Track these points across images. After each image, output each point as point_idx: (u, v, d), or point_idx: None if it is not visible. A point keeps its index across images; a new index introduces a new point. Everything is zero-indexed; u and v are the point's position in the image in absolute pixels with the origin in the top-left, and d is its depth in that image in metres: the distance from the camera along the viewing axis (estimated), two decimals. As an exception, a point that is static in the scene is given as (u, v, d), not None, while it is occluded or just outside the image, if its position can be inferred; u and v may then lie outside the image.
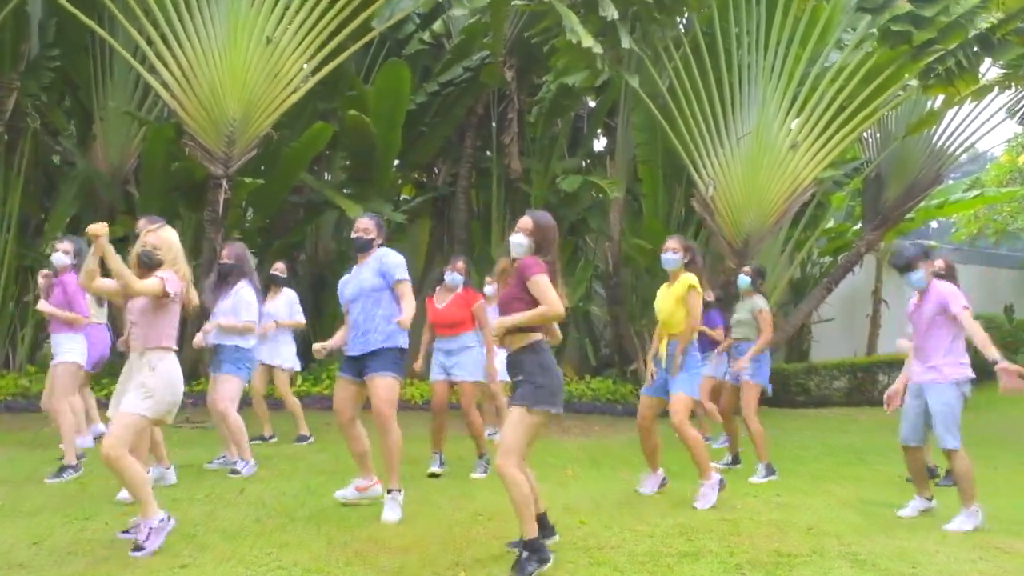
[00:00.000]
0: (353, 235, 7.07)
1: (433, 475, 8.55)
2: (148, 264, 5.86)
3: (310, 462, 9.18)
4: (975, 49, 13.47)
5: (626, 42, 12.36)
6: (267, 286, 10.44)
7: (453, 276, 8.77)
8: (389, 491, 6.75)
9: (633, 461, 9.99)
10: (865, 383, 18.39)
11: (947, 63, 13.47)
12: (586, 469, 9.38)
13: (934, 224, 23.03)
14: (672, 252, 7.73)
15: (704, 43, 13.58)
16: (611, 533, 6.46)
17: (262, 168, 14.44)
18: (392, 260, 6.91)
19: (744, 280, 9.36)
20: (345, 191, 15.54)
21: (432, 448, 8.74)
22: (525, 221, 5.63)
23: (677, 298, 7.62)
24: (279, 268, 10.80)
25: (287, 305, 10.56)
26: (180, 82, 12.46)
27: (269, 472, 8.44)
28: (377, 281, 6.85)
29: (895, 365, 19.16)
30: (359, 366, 6.84)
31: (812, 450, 10.62)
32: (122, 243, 14.53)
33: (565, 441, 11.69)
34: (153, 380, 5.72)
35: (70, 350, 8.24)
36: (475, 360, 8.66)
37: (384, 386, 6.73)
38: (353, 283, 6.95)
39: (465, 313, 8.67)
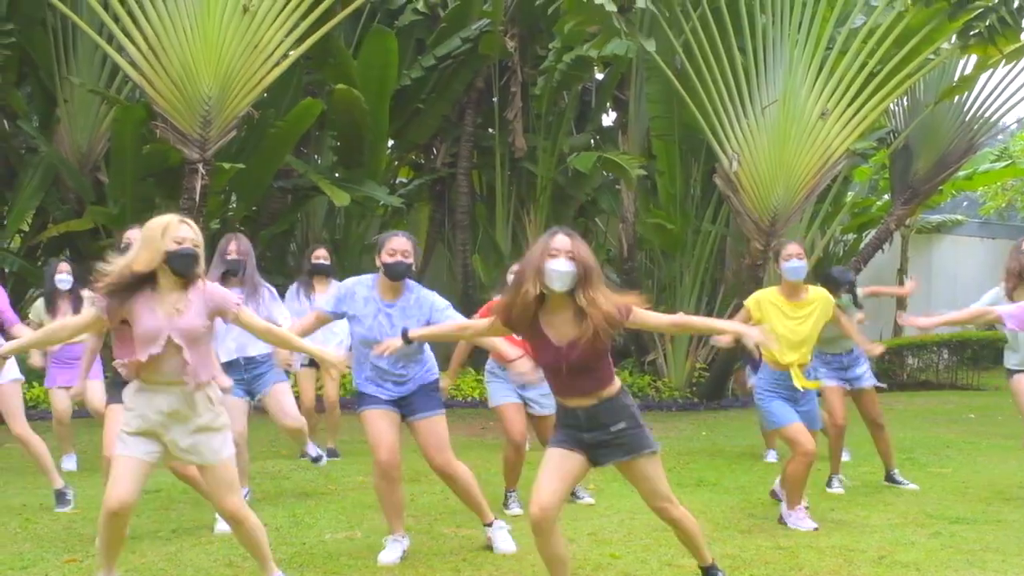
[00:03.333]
0: (388, 259, 5.65)
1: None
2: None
3: (296, 482, 8.13)
4: (1016, 4, 12.52)
5: (643, 1, 11.33)
6: (310, 277, 9.44)
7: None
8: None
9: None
10: (893, 366, 17.69)
11: (987, 20, 12.52)
12: (609, 481, 8.37)
13: (950, 199, 22.25)
14: (798, 259, 6.52)
15: (724, 4, 12.53)
16: (649, 570, 5.55)
17: (244, 151, 13.43)
18: (440, 304, 5.77)
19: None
20: (336, 175, 14.60)
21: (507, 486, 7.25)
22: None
23: (819, 320, 6.54)
24: (322, 255, 9.55)
25: None
26: (148, 58, 11.39)
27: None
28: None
29: (924, 347, 18.42)
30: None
31: (858, 456, 9.57)
32: (93, 236, 13.70)
33: (583, 445, 10.70)
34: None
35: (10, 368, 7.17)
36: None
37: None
38: (377, 329, 5.63)
39: None
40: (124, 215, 12.83)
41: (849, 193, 18.09)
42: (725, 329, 4.97)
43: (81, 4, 12.44)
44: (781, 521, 6.61)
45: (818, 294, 6.62)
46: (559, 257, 4.33)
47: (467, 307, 10.94)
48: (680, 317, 5.08)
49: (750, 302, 6.60)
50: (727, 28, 12.52)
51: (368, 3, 13.86)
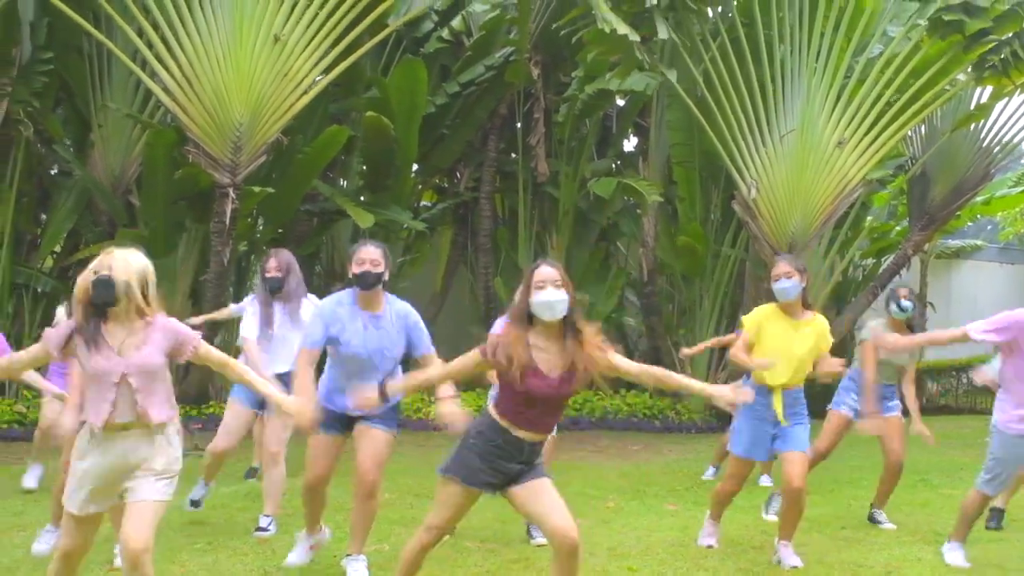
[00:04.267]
0: (358, 269, 5.57)
1: None
2: None
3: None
4: (1031, 38, 12.64)
5: (663, 31, 11.54)
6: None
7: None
8: None
9: (678, 489, 9.29)
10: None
11: (1001, 53, 12.65)
12: (628, 500, 8.59)
13: (971, 223, 22.23)
14: (786, 278, 6.07)
15: (743, 34, 12.74)
16: (664, 582, 5.71)
17: (272, 175, 13.70)
18: (418, 322, 5.75)
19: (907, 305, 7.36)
20: (361, 198, 14.83)
21: None
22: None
23: (816, 345, 6.14)
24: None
25: None
26: (182, 85, 11.71)
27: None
28: (401, 348, 5.71)
29: (944, 371, 18.52)
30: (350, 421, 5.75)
31: (868, 471, 9.67)
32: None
33: (603, 465, 10.90)
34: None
35: None
36: None
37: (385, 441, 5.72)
38: (370, 342, 5.62)
39: None
40: (155, 237, 13.00)
41: (868, 218, 18.18)
42: (698, 391, 4.83)
43: (116, 32, 12.69)
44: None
45: (819, 320, 6.23)
46: (546, 288, 4.38)
47: (489, 330, 11.09)
48: (654, 369, 4.89)
49: (748, 321, 6.31)
50: (746, 58, 12.70)
51: (395, 31, 14.06)
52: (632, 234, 16.03)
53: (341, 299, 5.69)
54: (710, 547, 6.52)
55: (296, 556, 6.03)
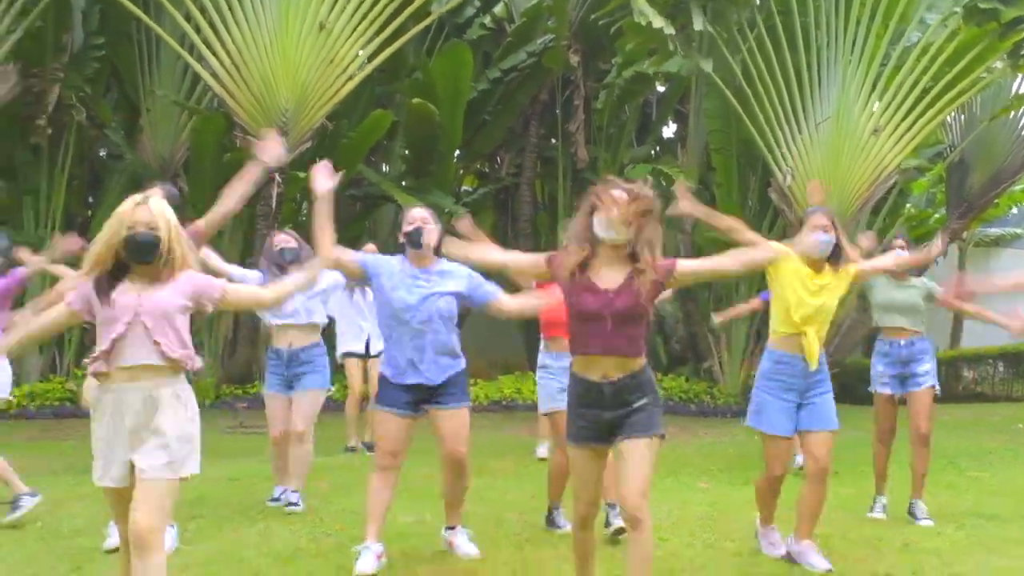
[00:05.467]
0: (408, 227, 5.53)
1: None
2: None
3: (341, 506, 7.25)
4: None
5: (699, 23, 11.69)
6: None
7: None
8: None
9: (712, 469, 9.46)
10: (949, 379, 17.67)
11: (1037, 41, 12.67)
12: (662, 478, 8.72)
13: (1014, 210, 22.08)
14: (824, 232, 5.53)
15: (780, 22, 12.87)
16: (694, 552, 5.94)
17: (317, 160, 13.82)
18: (473, 274, 5.60)
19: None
20: (404, 183, 15.06)
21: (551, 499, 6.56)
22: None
23: (835, 292, 5.66)
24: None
25: None
26: (230, 71, 12.03)
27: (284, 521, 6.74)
28: (455, 305, 5.59)
29: (980, 359, 18.52)
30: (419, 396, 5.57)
31: (898, 454, 9.86)
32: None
33: (638, 446, 11.06)
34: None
35: None
36: None
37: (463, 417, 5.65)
38: (420, 291, 5.49)
39: None
40: (202, 220, 13.37)
41: (907, 206, 18.20)
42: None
43: (165, 19, 13.03)
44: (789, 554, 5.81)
45: (844, 271, 5.68)
46: (613, 211, 4.25)
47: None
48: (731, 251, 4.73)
49: (776, 246, 5.49)
50: (783, 46, 12.83)
51: (438, 18, 14.29)
52: (670, 221, 15.97)
53: (393, 259, 5.63)
54: (784, 557, 5.75)
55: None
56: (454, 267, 5.54)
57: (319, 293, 7.06)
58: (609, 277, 4.33)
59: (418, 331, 5.45)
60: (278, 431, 7.16)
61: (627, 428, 4.29)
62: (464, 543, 5.84)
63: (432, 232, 5.55)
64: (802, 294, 5.57)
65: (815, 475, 5.62)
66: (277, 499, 7.11)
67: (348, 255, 5.55)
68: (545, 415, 6.46)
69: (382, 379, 5.63)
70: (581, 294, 4.31)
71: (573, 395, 4.45)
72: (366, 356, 9.89)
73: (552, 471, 6.44)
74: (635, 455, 4.25)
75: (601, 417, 4.32)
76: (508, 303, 5.56)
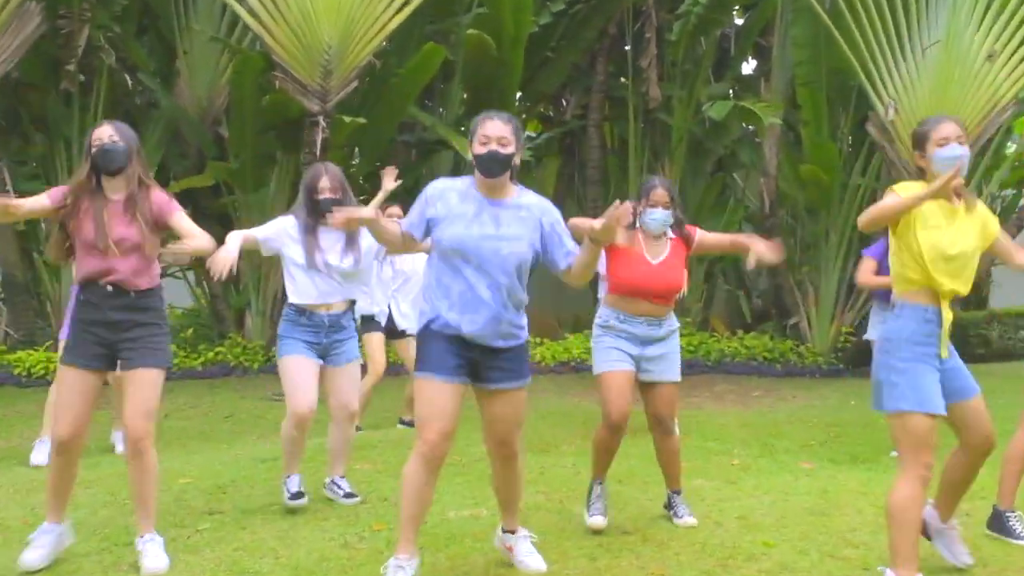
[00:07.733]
0: (481, 149, 4.28)
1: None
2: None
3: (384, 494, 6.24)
4: None
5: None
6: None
7: (655, 213, 5.39)
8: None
9: (811, 443, 8.41)
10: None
11: None
12: (756, 456, 7.70)
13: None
14: (958, 143, 4.23)
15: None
16: (810, 562, 4.80)
17: (366, 104, 12.95)
18: (558, 222, 4.47)
19: None
20: (462, 128, 14.08)
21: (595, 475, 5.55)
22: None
23: (982, 236, 4.39)
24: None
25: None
26: (266, 4, 11.13)
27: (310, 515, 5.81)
28: (528, 253, 4.37)
29: (1012, 318, 17.23)
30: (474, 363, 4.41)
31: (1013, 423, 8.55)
32: (214, 192, 13.43)
33: (722, 413, 10.06)
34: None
35: None
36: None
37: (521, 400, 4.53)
38: (481, 229, 4.31)
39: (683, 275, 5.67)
40: (244, 171, 12.65)
41: (1011, 146, 16.94)
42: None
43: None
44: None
45: (983, 208, 4.43)
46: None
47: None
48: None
49: (901, 188, 4.29)
50: (885, -38, 11.75)
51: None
52: (751, 163, 15.18)
53: (457, 182, 4.47)
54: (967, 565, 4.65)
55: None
56: (538, 203, 4.47)
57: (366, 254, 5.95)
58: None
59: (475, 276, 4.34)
60: (307, 405, 5.69)
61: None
62: (526, 553, 4.71)
63: (512, 156, 4.35)
64: (940, 233, 4.25)
65: (978, 453, 4.52)
66: (298, 495, 5.83)
67: (398, 235, 4.44)
68: (597, 376, 5.53)
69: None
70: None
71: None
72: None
73: (595, 445, 5.52)
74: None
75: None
76: None
